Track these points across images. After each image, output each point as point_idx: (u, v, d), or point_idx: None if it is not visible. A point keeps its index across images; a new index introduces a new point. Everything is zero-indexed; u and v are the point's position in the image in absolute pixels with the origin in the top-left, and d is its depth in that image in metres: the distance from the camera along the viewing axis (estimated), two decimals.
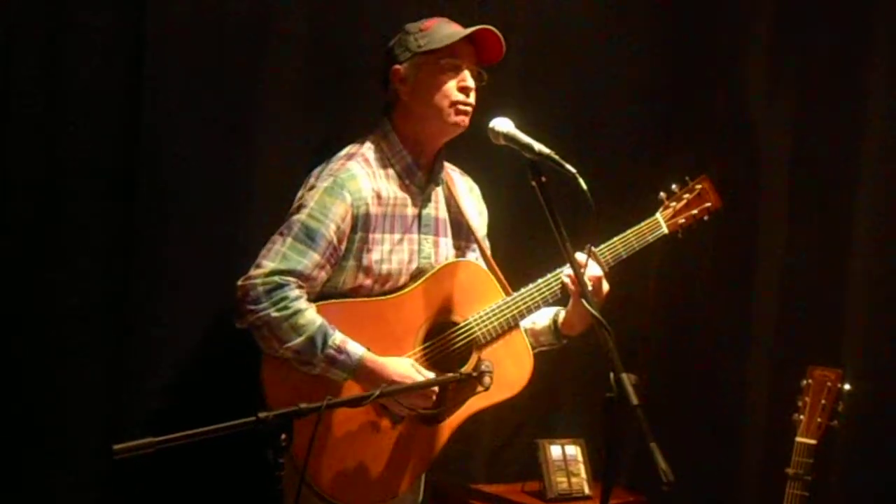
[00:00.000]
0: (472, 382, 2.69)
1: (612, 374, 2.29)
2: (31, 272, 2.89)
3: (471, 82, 2.91)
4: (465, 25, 2.92)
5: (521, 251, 3.27)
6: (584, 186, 2.42)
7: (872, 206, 3.65)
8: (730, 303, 3.97)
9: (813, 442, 2.96)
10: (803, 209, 3.81)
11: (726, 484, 3.90)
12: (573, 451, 3.71)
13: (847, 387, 3.00)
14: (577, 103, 3.88)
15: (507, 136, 2.67)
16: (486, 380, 2.68)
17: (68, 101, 2.89)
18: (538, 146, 2.58)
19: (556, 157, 2.53)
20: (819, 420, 2.98)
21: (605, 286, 2.95)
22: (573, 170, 2.47)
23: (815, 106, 3.80)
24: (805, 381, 3.04)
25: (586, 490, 3.68)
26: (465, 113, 2.91)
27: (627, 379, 2.27)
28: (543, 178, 2.54)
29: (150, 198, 3.01)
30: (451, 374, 2.78)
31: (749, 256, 3.93)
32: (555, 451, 3.68)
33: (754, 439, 3.84)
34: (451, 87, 2.89)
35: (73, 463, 2.95)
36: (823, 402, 2.99)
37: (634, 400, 2.25)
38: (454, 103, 2.89)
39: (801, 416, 3.00)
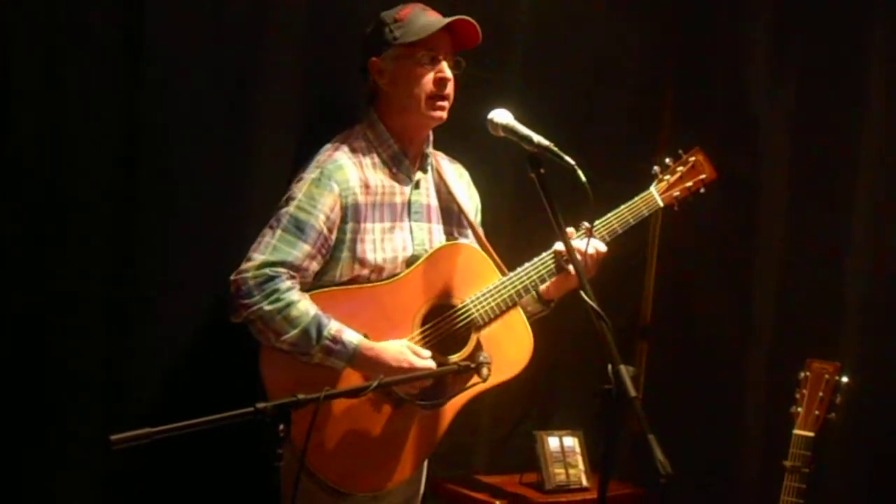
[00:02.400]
0: (473, 370, 2.70)
1: (609, 366, 2.30)
2: (31, 270, 2.88)
3: (448, 73, 2.91)
4: (449, 13, 2.91)
5: (519, 240, 3.27)
6: (584, 178, 2.42)
7: (872, 199, 3.65)
8: (729, 295, 3.97)
9: (811, 434, 2.97)
10: (803, 202, 3.81)
11: (724, 476, 3.91)
12: (571, 442, 3.71)
13: (845, 379, 3.00)
14: (576, 96, 3.88)
15: (506, 128, 2.67)
16: (485, 371, 2.68)
17: (67, 101, 2.88)
18: (537, 138, 2.58)
19: (555, 148, 2.53)
20: (817, 412, 2.98)
21: (603, 248, 3.01)
22: (572, 162, 2.47)
23: (815, 100, 3.80)
24: (803, 374, 3.04)
25: (584, 482, 3.68)
26: (441, 107, 2.92)
27: (625, 371, 2.28)
28: (542, 170, 2.54)
29: (148, 195, 3.00)
30: (448, 366, 2.79)
31: (748, 249, 3.93)
32: (552, 442, 3.68)
33: (752, 431, 3.84)
34: (428, 79, 2.89)
35: (71, 460, 2.94)
36: (821, 394, 2.99)
37: (632, 392, 2.26)
38: (430, 96, 2.90)
39: (799, 409, 3.00)
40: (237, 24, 3.09)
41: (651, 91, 4.08)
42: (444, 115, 2.93)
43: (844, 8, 3.73)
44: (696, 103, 4.08)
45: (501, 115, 2.69)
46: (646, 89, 4.07)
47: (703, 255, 4.04)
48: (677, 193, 3.20)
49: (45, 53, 2.83)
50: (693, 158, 3.24)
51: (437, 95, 2.90)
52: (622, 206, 3.11)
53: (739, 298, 3.93)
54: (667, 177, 3.20)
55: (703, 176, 3.24)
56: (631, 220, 3.11)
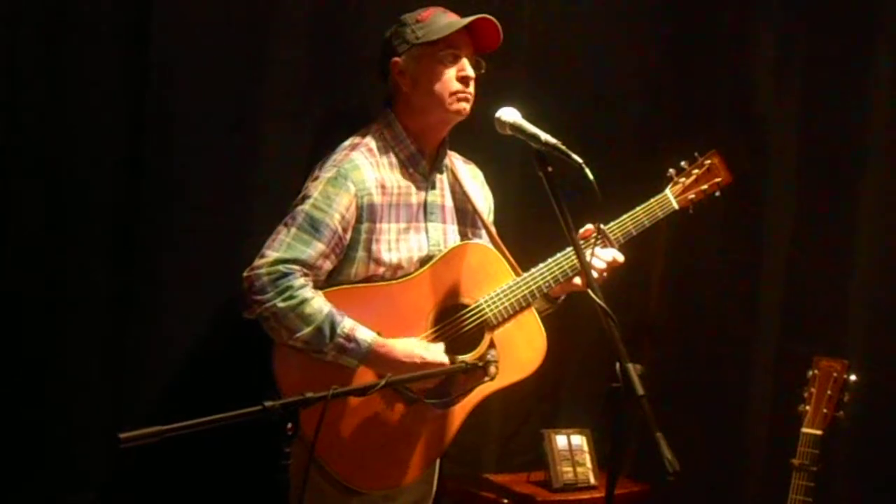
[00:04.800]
0: (480, 369, 2.70)
1: (617, 364, 2.29)
2: (36, 265, 2.88)
3: (470, 71, 2.92)
4: (464, 15, 2.92)
5: (529, 239, 3.27)
6: (591, 177, 2.42)
7: (878, 196, 3.64)
8: (736, 293, 3.97)
9: (819, 432, 2.96)
10: (809, 199, 3.81)
11: (732, 474, 3.90)
12: (579, 440, 3.71)
13: (853, 377, 3.00)
14: (583, 95, 3.87)
15: (514, 126, 2.67)
16: (492, 370, 2.68)
17: (73, 95, 2.88)
18: (544, 136, 2.57)
19: (563, 146, 2.53)
20: (825, 411, 2.98)
21: (621, 258, 3.00)
22: (580, 160, 2.47)
23: (821, 97, 3.79)
24: (811, 372, 3.04)
25: (592, 480, 3.68)
26: (465, 100, 2.92)
27: (633, 369, 2.28)
28: (550, 168, 2.54)
29: (154, 189, 3.01)
30: (456, 364, 2.79)
31: (755, 246, 3.92)
32: (560, 441, 3.68)
33: (760, 430, 3.84)
34: (450, 76, 2.90)
35: (78, 458, 2.95)
36: (829, 392, 2.99)
37: (640, 390, 2.26)
38: (454, 93, 2.90)
39: (807, 407, 3.00)
40: (244, 20, 3.10)
41: (657, 90, 4.07)
42: (468, 108, 2.94)
43: (850, 4, 3.73)
44: (702, 101, 4.07)
45: (509, 114, 2.69)
46: (652, 88, 4.06)
47: (710, 252, 4.03)
48: (692, 196, 3.19)
49: (49, 50, 2.84)
50: (709, 161, 3.22)
51: (461, 91, 2.91)
52: (637, 208, 3.10)
53: (747, 296, 3.93)
54: (682, 179, 3.19)
55: (718, 179, 3.22)
56: (646, 223, 3.10)
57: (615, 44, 3.95)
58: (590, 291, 2.40)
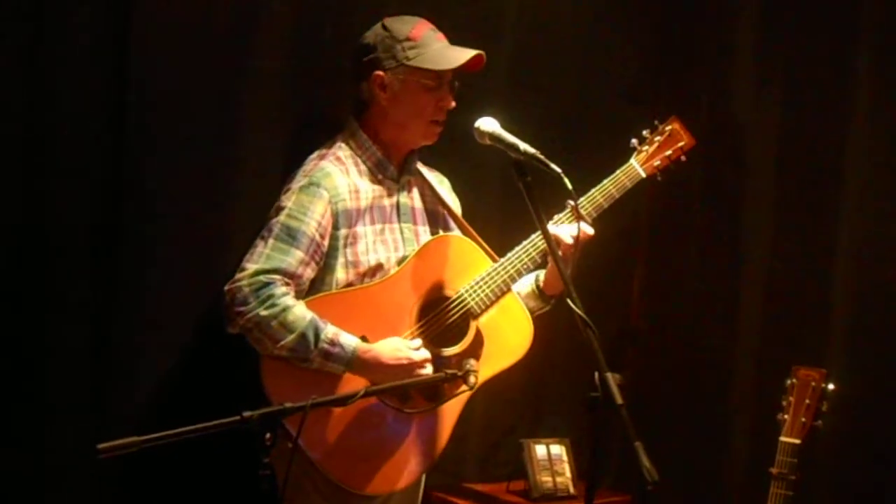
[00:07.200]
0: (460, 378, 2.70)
1: (596, 374, 2.30)
2: (16, 276, 2.86)
3: (451, 103, 2.95)
4: (449, 30, 2.92)
5: (506, 247, 3.27)
6: (570, 186, 2.45)
7: (857, 206, 3.66)
8: (715, 302, 3.98)
9: (797, 441, 2.97)
10: (788, 209, 3.82)
11: (711, 483, 3.91)
12: (558, 450, 3.71)
13: (831, 387, 3.01)
14: (562, 103, 3.88)
15: (493, 136, 2.68)
16: (471, 379, 2.68)
17: (52, 105, 2.86)
18: (523, 146, 2.58)
19: (542, 156, 2.54)
20: (803, 420, 2.98)
21: (590, 231, 2.99)
22: (558, 169, 2.48)
23: (800, 107, 3.81)
24: (789, 381, 3.04)
25: (571, 490, 3.68)
26: (439, 132, 2.98)
27: (612, 378, 2.28)
28: (529, 178, 2.55)
29: (135, 198, 2.99)
30: (436, 374, 2.79)
31: (735, 256, 3.94)
32: (540, 450, 3.68)
33: (739, 439, 3.85)
34: (431, 103, 2.93)
35: (57, 467, 2.93)
36: (808, 401, 3.00)
37: (619, 399, 2.26)
38: (431, 121, 2.94)
39: (786, 416, 3.00)
40: (223, 29, 3.09)
41: (636, 99, 4.09)
42: (437, 134, 2.99)
43: (830, 14, 3.75)
44: (681, 111, 4.07)
45: (488, 124, 2.70)
46: (631, 96, 4.07)
47: (689, 262, 4.04)
48: (657, 163, 3.21)
49: (28, 62, 2.82)
50: (669, 127, 3.25)
51: (438, 119, 2.95)
52: (605, 181, 3.11)
53: (726, 305, 3.94)
54: (645, 148, 3.21)
55: (681, 143, 3.25)
56: (615, 194, 3.11)
57: (595, 53, 3.97)
58: (569, 301, 2.40)
